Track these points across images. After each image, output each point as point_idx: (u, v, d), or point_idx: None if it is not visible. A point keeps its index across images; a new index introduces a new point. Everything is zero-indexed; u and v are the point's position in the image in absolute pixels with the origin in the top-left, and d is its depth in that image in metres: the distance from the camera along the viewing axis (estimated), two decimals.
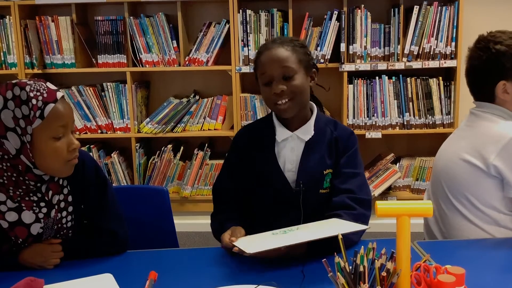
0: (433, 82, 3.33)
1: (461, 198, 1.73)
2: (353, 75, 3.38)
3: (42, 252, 1.45)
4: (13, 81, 1.38)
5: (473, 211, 1.70)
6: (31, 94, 1.34)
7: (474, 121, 1.76)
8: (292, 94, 1.60)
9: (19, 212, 1.43)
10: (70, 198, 1.51)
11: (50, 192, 1.46)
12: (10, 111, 1.34)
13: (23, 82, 1.36)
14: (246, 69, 3.35)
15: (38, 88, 1.36)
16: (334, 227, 1.44)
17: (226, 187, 1.73)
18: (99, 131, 3.52)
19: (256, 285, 1.25)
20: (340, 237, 1.20)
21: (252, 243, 1.42)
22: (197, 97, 3.52)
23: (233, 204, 1.71)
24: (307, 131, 1.67)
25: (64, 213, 1.50)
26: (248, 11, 3.32)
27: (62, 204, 1.49)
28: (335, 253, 1.07)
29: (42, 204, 1.45)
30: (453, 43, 3.26)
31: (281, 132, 1.68)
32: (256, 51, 1.70)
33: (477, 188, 1.69)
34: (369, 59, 3.35)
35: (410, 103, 3.36)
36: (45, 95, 1.35)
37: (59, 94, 1.39)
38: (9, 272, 1.40)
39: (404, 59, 3.31)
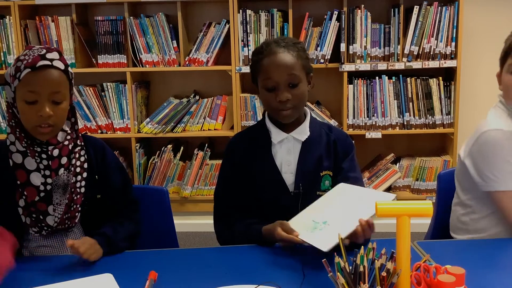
0: (433, 82, 3.33)
1: (459, 190, 1.76)
2: (353, 75, 3.38)
3: (93, 245, 1.48)
4: (32, 45, 1.53)
5: (466, 207, 1.73)
6: (22, 57, 1.47)
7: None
8: (296, 102, 1.60)
9: (24, 156, 1.51)
10: (85, 165, 1.60)
11: (56, 151, 1.53)
12: (12, 68, 1.48)
13: (31, 46, 1.50)
14: (246, 69, 3.35)
15: (32, 53, 1.46)
16: (360, 201, 1.50)
17: (229, 194, 1.70)
18: (99, 131, 3.52)
19: (256, 285, 1.26)
20: (340, 237, 1.21)
21: (318, 237, 1.40)
22: (197, 97, 3.52)
23: (241, 208, 1.68)
24: (303, 131, 1.67)
25: (79, 177, 1.58)
26: (248, 11, 3.32)
27: (78, 169, 1.58)
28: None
29: (44, 155, 1.52)
30: (453, 43, 3.26)
31: (277, 134, 1.67)
32: (255, 49, 1.65)
33: (464, 183, 1.71)
34: (369, 59, 3.35)
35: (410, 103, 3.36)
36: (29, 60, 1.45)
37: (43, 63, 1.45)
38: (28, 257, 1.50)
39: (404, 59, 3.31)
